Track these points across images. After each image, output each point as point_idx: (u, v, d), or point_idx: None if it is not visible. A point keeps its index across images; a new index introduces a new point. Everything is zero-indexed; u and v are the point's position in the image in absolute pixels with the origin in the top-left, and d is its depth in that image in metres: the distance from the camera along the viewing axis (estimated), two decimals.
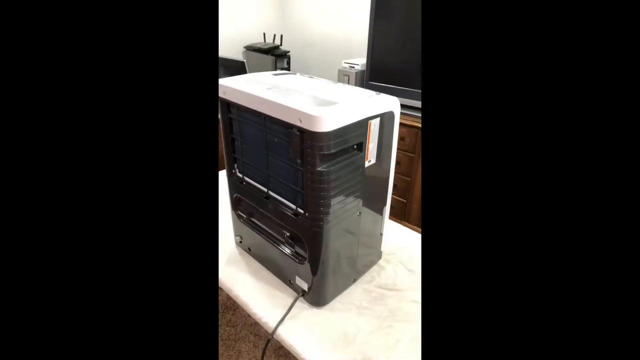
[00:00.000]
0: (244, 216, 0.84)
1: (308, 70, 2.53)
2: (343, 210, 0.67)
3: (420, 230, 1.61)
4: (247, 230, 0.85)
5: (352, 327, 0.70)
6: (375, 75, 1.68)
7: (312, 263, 0.70)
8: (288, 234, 0.73)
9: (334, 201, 0.63)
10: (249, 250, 0.88)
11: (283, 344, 0.69)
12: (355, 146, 0.64)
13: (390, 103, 0.67)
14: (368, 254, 0.82)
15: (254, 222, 0.83)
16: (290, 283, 0.78)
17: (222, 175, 1.01)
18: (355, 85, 1.79)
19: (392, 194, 0.81)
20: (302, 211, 0.67)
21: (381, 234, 0.83)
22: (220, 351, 1.26)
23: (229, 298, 0.99)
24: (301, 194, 0.65)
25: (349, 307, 0.75)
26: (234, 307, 1.39)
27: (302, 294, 0.75)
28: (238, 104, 0.69)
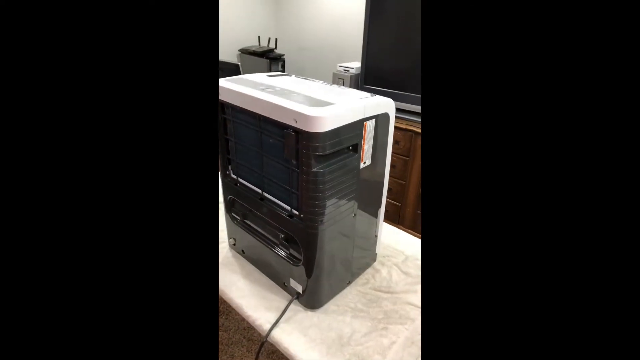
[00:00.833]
0: (238, 218, 0.84)
1: (303, 74, 2.53)
2: (338, 211, 0.66)
3: (414, 233, 1.62)
4: (241, 232, 0.84)
5: (347, 329, 0.70)
6: (369, 79, 1.68)
7: (307, 265, 0.69)
8: (282, 235, 0.72)
9: (329, 202, 0.63)
10: (242, 253, 0.88)
11: (277, 346, 0.68)
12: (350, 147, 0.64)
13: (385, 105, 0.67)
14: (363, 256, 0.82)
15: (248, 224, 0.82)
16: (284, 285, 0.77)
17: None
18: None
19: (387, 197, 0.81)
20: (297, 213, 0.67)
21: (376, 236, 0.83)
22: None
23: (222, 302, 0.98)
24: (296, 195, 0.65)
25: (344, 310, 0.75)
26: (227, 311, 1.37)
27: (297, 296, 0.75)
28: (232, 104, 0.68)
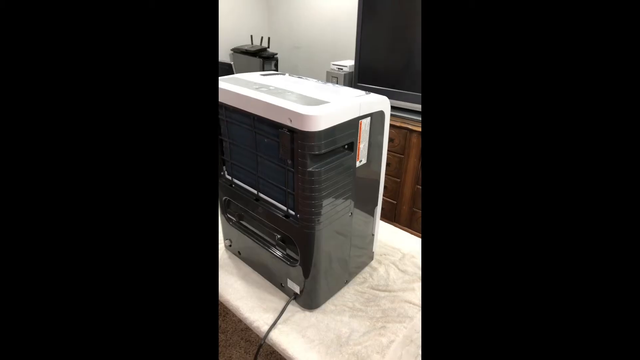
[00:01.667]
0: (234, 219, 0.83)
1: (296, 72, 2.52)
2: (334, 211, 0.66)
3: (410, 230, 1.62)
4: (236, 234, 0.83)
5: (346, 329, 0.70)
6: (363, 77, 1.68)
7: (304, 265, 0.69)
8: (279, 236, 0.71)
9: (325, 202, 0.63)
10: (238, 254, 0.87)
11: (275, 348, 0.67)
12: (346, 146, 0.64)
13: (380, 103, 0.67)
14: (360, 255, 0.82)
15: (244, 225, 0.82)
16: (281, 286, 0.77)
17: None
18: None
19: (382, 195, 0.80)
20: (293, 213, 0.66)
21: (373, 235, 0.83)
22: None
23: (218, 304, 0.97)
24: (292, 195, 0.64)
25: (342, 309, 0.74)
26: (224, 312, 1.36)
27: (294, 297, 0.74)
28: (226, 104, 0.67)
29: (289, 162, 0.61)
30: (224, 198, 0.82)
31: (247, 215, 0.79)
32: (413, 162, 1.58)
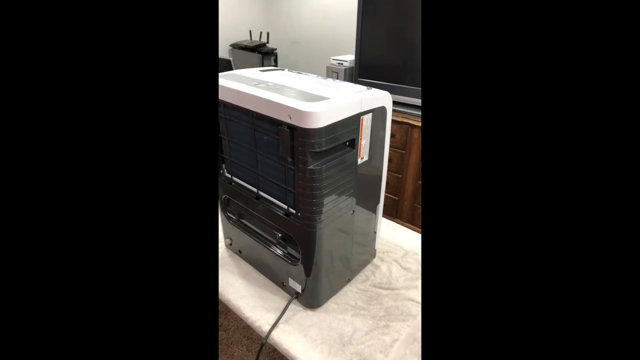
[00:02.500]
0: (234, 218, 0.82)
1: (296, 68, 2.50)
2: (336, 209, 0.65)
3: (412, 227, 1.61)
4: (237, 232, 0.82)
5: (348, 327, 0.69)
6: (364, 72, 1.66)
7: (306, 264, 0.68)
8: (280, 235, 0.70)
9: (326, 200, 0.62)
10: (239, 253, 0.86)
11: (277, 348, 0.67)
12: (347, 143, 0.62)
13: (382, 98, 0.65)
14: (362, 253, 0.81)
15: (244, 224, 0.81)
16: (283, 285, 0.76)
17: None
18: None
19: (384, 191, 0.79)
20: (293, 211, 0.65)
21: (375, 232, 0.82)
22: None
23: (220, 302, 0.97)
24: (292, 193, 0.63)
25: (344, 308, 0.74)
26: (226, 310, 1.36)
27: (296, 296, 0.73)
28: (224, 101, 0.66)
29: (289, 159, 0.60)
30: (224, 196, 0.81)
31: (248, 213, 0.78)
32: (415, 158, 1.56)
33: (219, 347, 1.25)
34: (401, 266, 0.86)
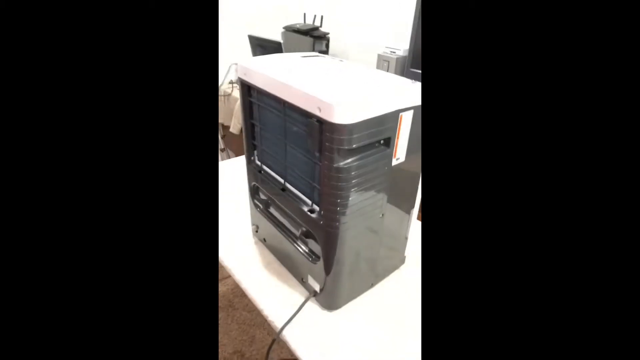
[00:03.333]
0: (261, 206, 0.80)
1: (348, 53, 2.42)
2: (363, 211, 0.60)
3: None
4: (263, 221, 0.81)
5: (364, 335, 0.65)
6: (417, 62, 1.55)
7: (326, 263, 0.64)
8: (303, 229, 0.68)
9: (352, 200, 0.57)
10: (264, 241, 0.85)
11: (288, 346, 0.65)
12: (382, 141, 0.57)
13: None
14: (390, 257, 0.76)
15: (271, 213, 0.79)
16: (302, 281, 0.74)
17: (242, 161, 0.98)
18: (395, 72, 1.67)
19: (421, 194, 0.73)
20: (318, 208, 0.62)
21: (406, 238, 0.76)
22: (234, 334, 1.26)
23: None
24: (318, 190, 0.60)
25: (363, 314, 0.70)
26: None
27: (314, 294, 0.71)
28: (257, 87, 0.63)
29: (317, 154, 0.56)
30: (253, 184, 0.79)
31: (274, 204, 0.76)
32: None
33: (242, 327, 1.28)
34: None
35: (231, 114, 2.23)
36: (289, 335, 0.65)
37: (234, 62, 2.23)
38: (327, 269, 0.65)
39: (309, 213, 0.63)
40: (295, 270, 0.76)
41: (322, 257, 0.64)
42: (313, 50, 2.18)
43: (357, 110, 0.50)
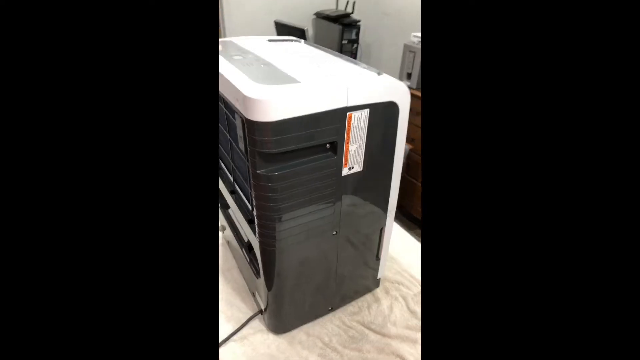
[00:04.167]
0: (221, 205, 0.73)
1: (379, 42, 2.25)
2: (308, 226, 0.51)
3: None
4: (227, 221, 0.74)
5: None
6: None
7: (267, 281, 0.56)
8: (245, 240, 0.59)
9: (292, 214, 0.48)
10: (228, 244, 0.78)
11: None
12: (328, 145, 0.47)
13: (393, 90, 0.47)
14: (354, 279, 0.65)
15: (229, 215, 0.72)
16: (253, 295, 0.66)
17: None
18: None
19: (395, 210, 0.61)
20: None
21: (378, 259, 0.65)
22: None
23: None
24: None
25: (313, 343, 0.60)
26: None
27: (260, 312, 0.63)
28: None
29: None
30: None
31: (228, 207, 0.68)
32: None
33: None
34: (408, 307, 0.67)
35: None
36: (226, 352, 0.58)
37: None
38: (269, 285, 0.56)
39: (248, 223, 0.54)
40: (248, 282, 0.68)
41: (262, 273, 0.56)
42: (342, 38, 2.05)
43: (285, 105, 0.40)
